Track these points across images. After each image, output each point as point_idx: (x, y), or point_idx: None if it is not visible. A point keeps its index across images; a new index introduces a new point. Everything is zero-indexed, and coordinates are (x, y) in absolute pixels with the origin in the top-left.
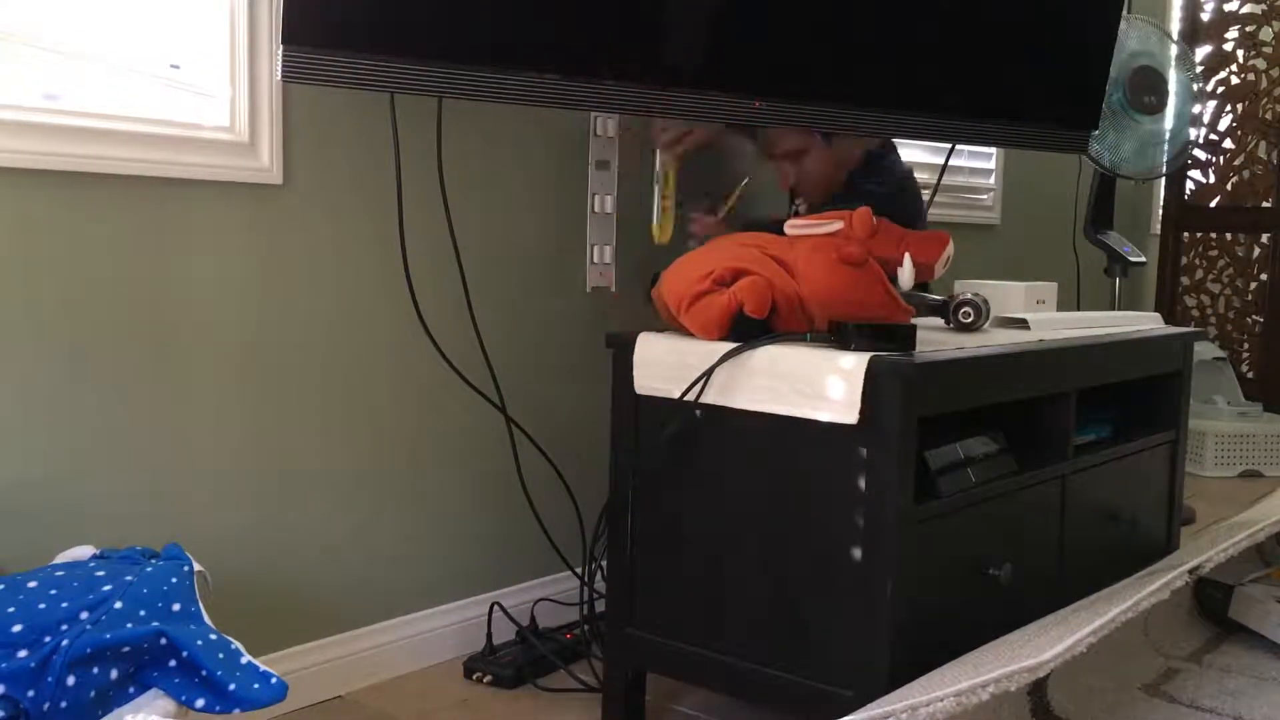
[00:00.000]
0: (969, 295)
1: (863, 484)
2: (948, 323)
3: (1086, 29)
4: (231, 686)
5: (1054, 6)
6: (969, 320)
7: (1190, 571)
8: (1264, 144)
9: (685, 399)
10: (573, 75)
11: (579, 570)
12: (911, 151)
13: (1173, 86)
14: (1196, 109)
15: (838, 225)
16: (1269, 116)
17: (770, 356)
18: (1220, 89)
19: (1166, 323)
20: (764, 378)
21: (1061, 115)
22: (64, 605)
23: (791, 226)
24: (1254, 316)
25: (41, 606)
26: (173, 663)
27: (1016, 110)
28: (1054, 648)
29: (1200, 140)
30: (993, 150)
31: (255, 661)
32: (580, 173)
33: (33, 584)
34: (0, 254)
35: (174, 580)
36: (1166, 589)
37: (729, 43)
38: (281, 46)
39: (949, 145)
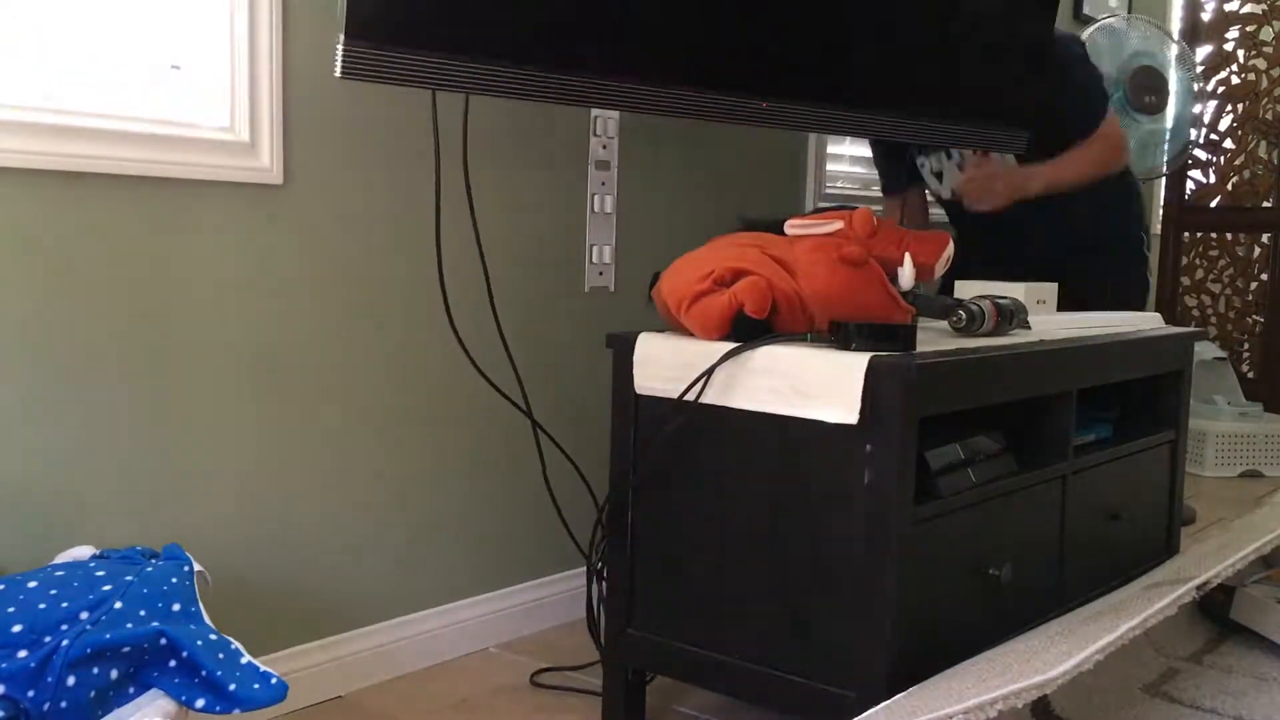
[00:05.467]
0: (970, 300)
1: (863, 484)
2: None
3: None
4: (231, 686)
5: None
6: (960, 325)
7: (1198, 587)
8: (1264, 144)
9: (685, 399)
10: (595, 74)
11: (582, 569)
12: None
13: (1173, 86)
14: (1197, 109)
15: (838, 225)
16: (1269, 116)
17: (770, 356)
18: (1220, 89)
19: (1167, 323)
20: (764, 378)
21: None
22: (64, 605)
23: (791, 226)
24: (1254, 316)
25: (41, 606)
26: (173, 663)
27: (962, 109)
28: (1062, 664)
29: (1200, 140)
30: None
31: (255, 661)
32: (580, 173)
33: (33, 584)
34: (0, 254)
35: (174, 580)
36: (1175, 605)
37: (741, 45)
38: (342, 43)
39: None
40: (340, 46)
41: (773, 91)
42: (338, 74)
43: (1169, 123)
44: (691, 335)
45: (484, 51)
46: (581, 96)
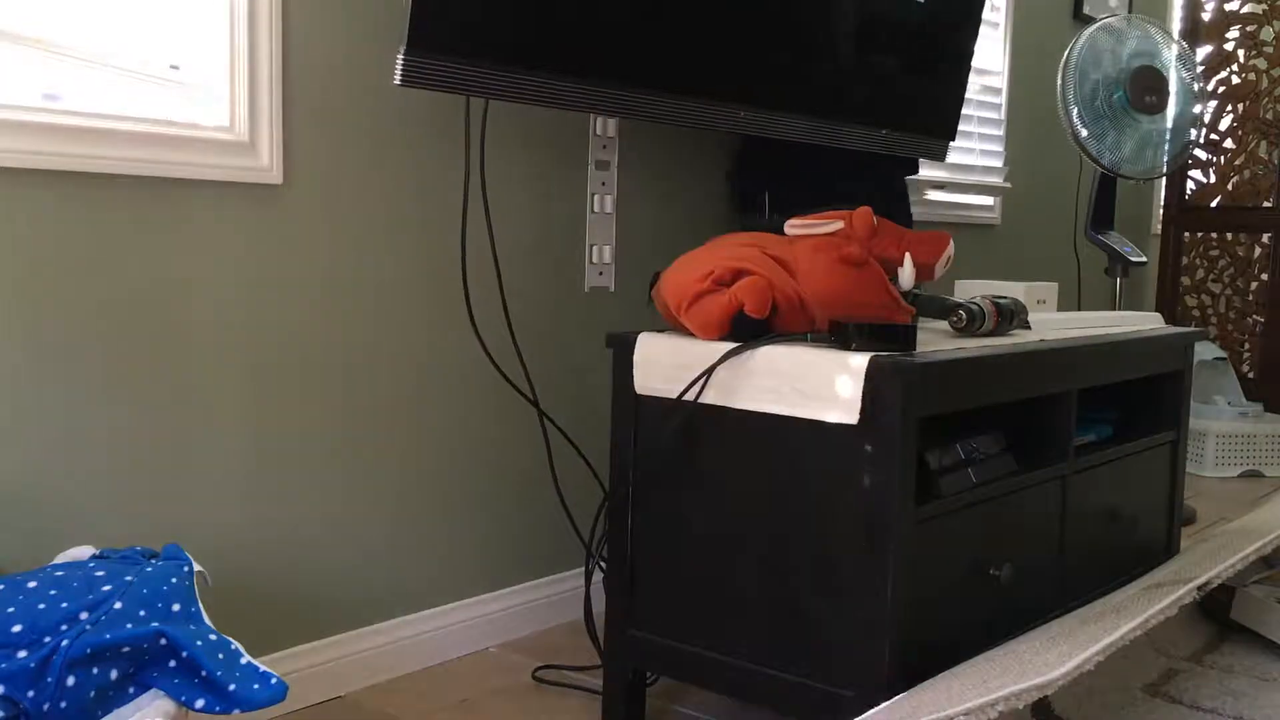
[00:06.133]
0: (970, 300)
1: (863, 484)
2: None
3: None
4: (231, 687)
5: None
6: (960, 325)
7: (1198, 587)
8: (1265, 144)
9: (685, 399)
10: (596, 80)
11: (583, 569)
12: None
13: (1173, 86)
14: (1197, 109)
15: (838, 225)
16: (1269, 116)
17: (770, 356)
18: (1221, 89)
19: (1167, 323)
20: (764, 378)
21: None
22: (64, 605)
23: (791, 226)
24: (1255, 316)
25: (41, 607)
26: (173, 663)
27: (895, 118)
28: (1064, 665)
29: (1201, 140)
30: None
31: (255, 662)
32: (580, 173)
33: (33, 584)
34: None
35: (174, 580)
36: (1175, 605)
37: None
38: (403, 53)
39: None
40: (401, 57)
41: (750, 101)
42: (397, 81)
43: (1169, 123)
44: (691, 335)
45: (529, 63)
46: (579, 103)
